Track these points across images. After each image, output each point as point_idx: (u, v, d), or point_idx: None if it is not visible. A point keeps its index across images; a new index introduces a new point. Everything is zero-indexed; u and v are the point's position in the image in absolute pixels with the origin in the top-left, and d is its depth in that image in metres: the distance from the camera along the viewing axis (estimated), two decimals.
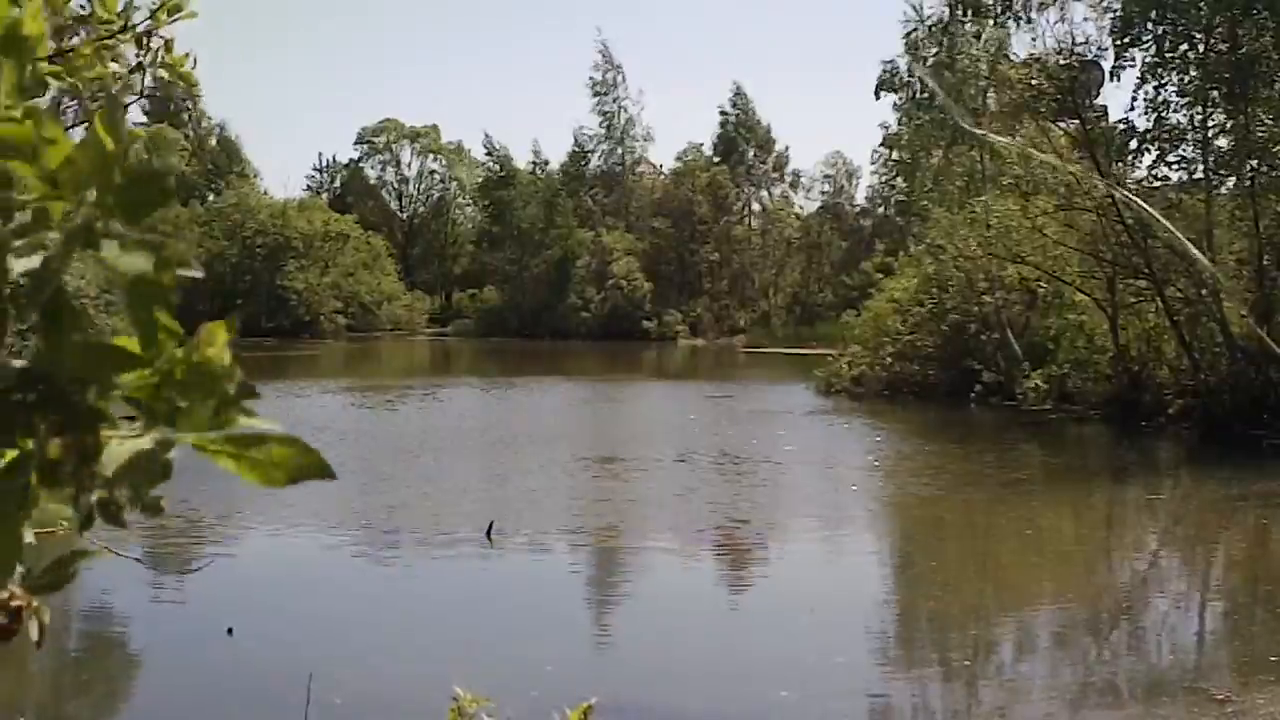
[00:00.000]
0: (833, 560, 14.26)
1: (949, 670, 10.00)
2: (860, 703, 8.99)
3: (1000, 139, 27.49)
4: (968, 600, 12.15)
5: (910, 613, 12.09)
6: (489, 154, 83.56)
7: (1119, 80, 28.56)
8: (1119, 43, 28.04)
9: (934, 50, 48.58)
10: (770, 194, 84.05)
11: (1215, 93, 26.82)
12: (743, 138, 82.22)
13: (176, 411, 0.80)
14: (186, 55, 2.17)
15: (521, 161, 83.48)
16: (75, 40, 1.92)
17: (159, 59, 2.00)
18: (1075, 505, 18.33)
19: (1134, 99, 27.90)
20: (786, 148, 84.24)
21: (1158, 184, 28.86)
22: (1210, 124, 27.37)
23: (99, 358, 0.79)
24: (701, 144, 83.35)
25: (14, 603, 1.09)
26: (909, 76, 54.91)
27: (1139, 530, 17.30)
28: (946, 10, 42.66)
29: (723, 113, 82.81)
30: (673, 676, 9.42)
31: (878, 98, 55.71)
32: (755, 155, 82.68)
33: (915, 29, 50.55)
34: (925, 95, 52.93)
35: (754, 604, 12.26)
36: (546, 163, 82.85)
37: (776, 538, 15.20)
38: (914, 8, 51.24)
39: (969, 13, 38.51)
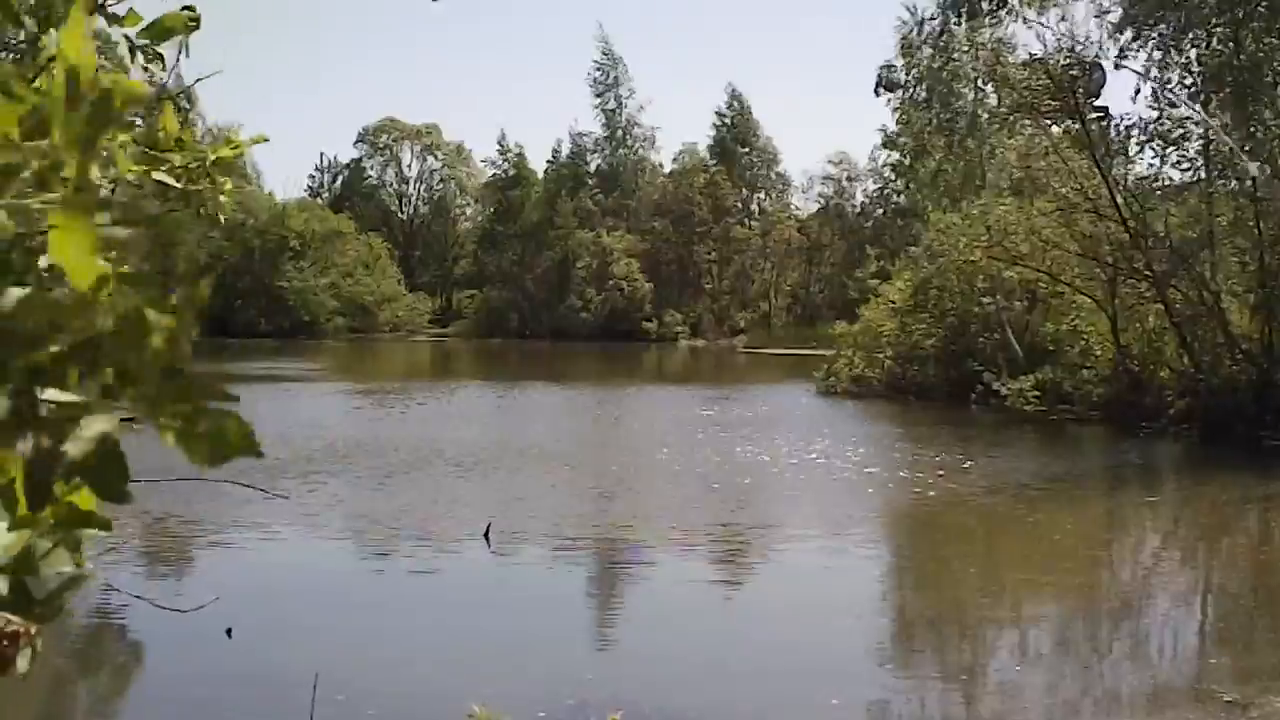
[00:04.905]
0: (837, 563, 14.19)
1: (958, 673, 9.94)
2: (885, 705, 8.96)
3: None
4: (973, 603, 12.09)
5: (915, 616, 12.03)
6: (502, 153, 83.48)
7: (1125, 61, 28.48)
8: (1119, 38, 28.00)
9: (929, 52, 48.47)
10: (769, 195, 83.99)
11: (1219, 95, 26.75)
12: (738, 140, 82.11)
13: (121, 378, 0.75)
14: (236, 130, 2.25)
15: (530, 162, 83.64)
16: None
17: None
18: (1078, 507, 18.25)
19: (1136, 94, 27.90)
20: (775, 148, 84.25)
21: (1158, 183, 28.83)
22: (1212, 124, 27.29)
23: (38, 307, 0.73)
24: (696, 144, 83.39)
25: (10, 629, 1.04)
26: (905, 77, 54.74)
27: (1145, 532, 17.23)
28: (940, 15, 42.59)
29: (718, 114, 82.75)
30: (688, 681, 9.36)
31: (877, 94, 55.53)
32: (751, 157, 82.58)
33: (911, 30, 50.42)
34: (923, 95, 52.80)
35: (775, 608, 12.09)
36: (564, 164, 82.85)
37: (780, 540, 15.13)
38: (909, 9, 51.14)
39: (962, 17, 38.43)
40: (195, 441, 0.79)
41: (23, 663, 1.04)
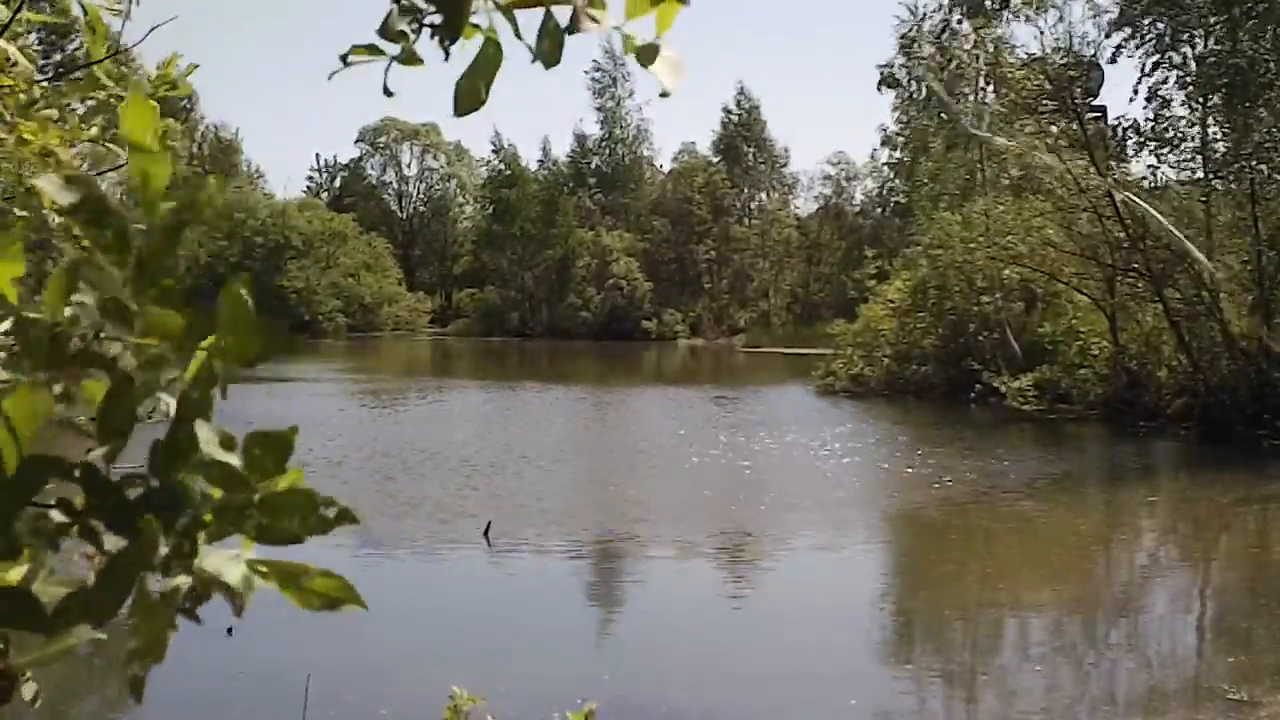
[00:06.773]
0: (839, 564, 14.23)
1: (961, 674, 9.97)
2: (888, 706, 9.00)
3: (1001, 140, 27.42)
4: (976, 603, 12.12)
5: (917, 617, 12.04)
6: (496, 152, 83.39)
7: (1117, 63, 28.60)
8: (1114, 38, 28.08)
9: (929, 50, 48.43)
10: (770, 194, 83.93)
11: (1215, 96, 26.75)
12: (743, 137, 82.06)
13: (260, 527, 1.05)
14: (176, 58, 2.25)
15: (525, 160, 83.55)
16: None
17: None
18: (1078, 507, 18.28)
19: (1134, 92, 27.91)
20: (785, 149, 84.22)
21: (1157, 185, 28.85)
22: (1209, 125, 27.31)
23: (222, 476, 1.02)
24: (695, 143, 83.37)
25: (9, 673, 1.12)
26: (906, 77, 54.75)
27: (1145, 532, 17.25)
28: (941, 13, 42.65)
29: (726, 111, 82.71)
30: (695, 682, 9.39)
31: (880, 90, 55.42)
32: (755, 155, 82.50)
33: (911, 30, 50.41)
34: (923, 95, 52.81)
35: (779, 609, 12.10)
36: (556, 162, 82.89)
37: (782, 541, 15.16)
38: (910, 9, 51.13)
39: (963, 16, 38.47)
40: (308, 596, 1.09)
41: (26, 695, 1.15)
